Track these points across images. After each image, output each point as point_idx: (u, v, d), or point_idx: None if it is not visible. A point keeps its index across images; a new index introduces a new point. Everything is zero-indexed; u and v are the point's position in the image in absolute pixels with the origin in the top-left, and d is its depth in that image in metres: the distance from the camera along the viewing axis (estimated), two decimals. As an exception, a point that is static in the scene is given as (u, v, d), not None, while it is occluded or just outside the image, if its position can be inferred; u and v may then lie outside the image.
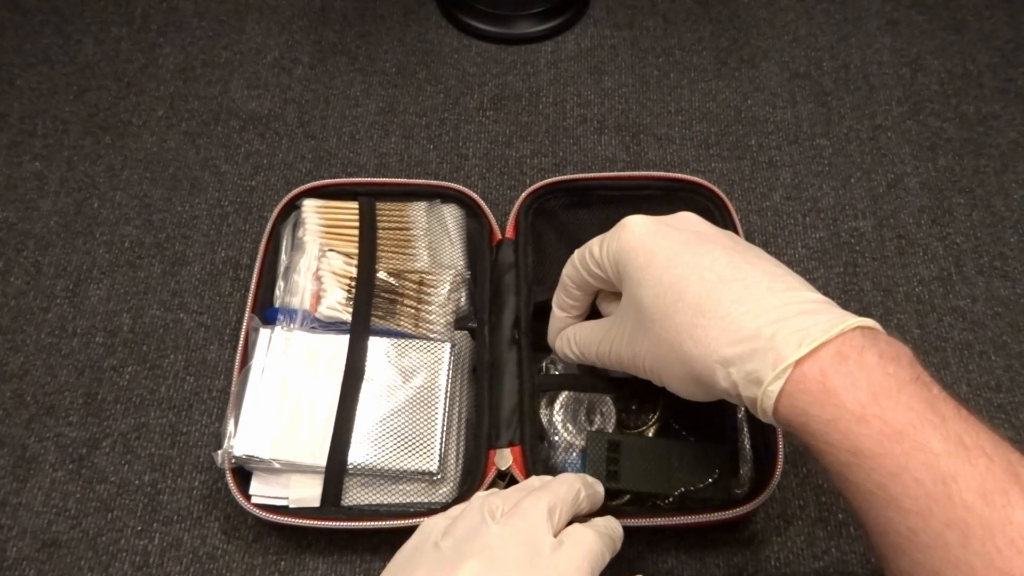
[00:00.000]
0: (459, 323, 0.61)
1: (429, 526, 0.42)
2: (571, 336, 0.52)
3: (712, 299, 0.40)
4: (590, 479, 0.46)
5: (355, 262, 0.61)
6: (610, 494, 0.54)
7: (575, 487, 0.44)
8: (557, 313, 0.53)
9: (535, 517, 0.40)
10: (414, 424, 0.55)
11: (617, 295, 0.48)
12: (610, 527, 0.44)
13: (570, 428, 0.56)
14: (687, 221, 0.46)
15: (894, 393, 0.35)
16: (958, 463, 0.33)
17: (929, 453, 0.33)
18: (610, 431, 0.55)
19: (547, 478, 0.45)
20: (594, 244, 0.48)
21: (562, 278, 0.51)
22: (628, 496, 0.53)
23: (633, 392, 0.56)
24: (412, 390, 0.56)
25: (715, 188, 0.65)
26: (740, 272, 0.41)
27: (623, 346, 0.46)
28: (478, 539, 0.39)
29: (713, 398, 0.42)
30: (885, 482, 0.34)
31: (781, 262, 0.45)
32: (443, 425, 0.55)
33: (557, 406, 0.57)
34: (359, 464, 0.54)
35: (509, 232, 0.64)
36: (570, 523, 0.42)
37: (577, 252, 0.50)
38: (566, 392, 0.57)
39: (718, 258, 0.42)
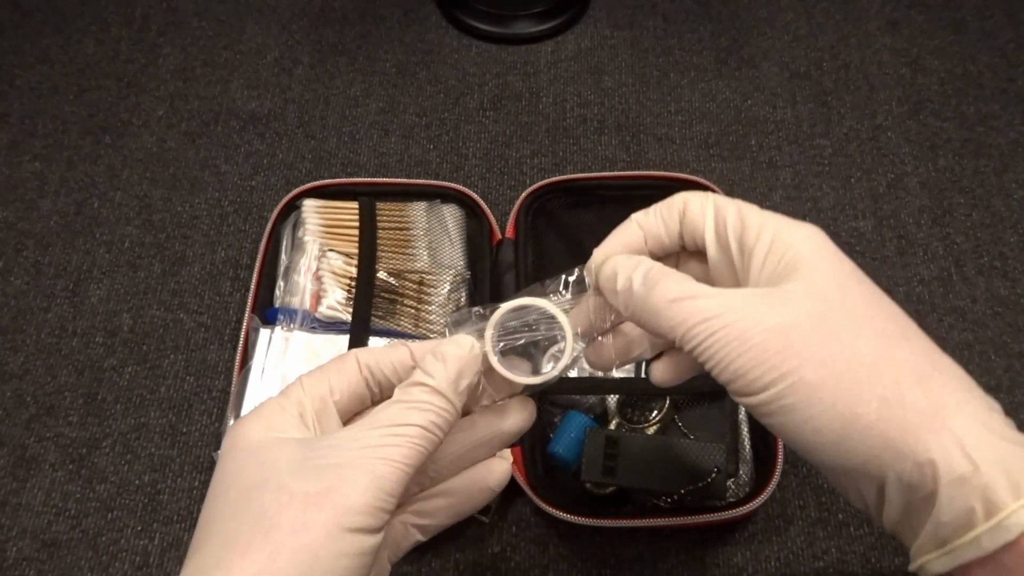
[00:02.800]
0: (459, 323, 0.61)
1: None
2: (649, 265, 0.34)
3: (943, 358, 0.30)
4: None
5: (355, 262, 0.61)
6: (610, 498, 0.55)
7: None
8: (631, 229, 0.37)
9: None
10: (414, 424, 0.55)
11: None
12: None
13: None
14: None
15: None
16: None
17: None
18: (611, 427, 0.55)
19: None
20: (749, 213, 0.35)
21: (659, 211, 0.36)
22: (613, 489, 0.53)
23: (635, 390, 0.56)
24: (412, 390, 0.56)
25: (715, 188, 0.65)
26: (941, 355, 0.31)
27: (759, 326, 0.30)
28: None
29: (855, 468, 0.29)
30: None
31: None
32: (443, 425, 0.55)
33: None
34: (359, 464, 0.53)
35: (509, 232, 0.64)
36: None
37: (696, 200, 0.36)
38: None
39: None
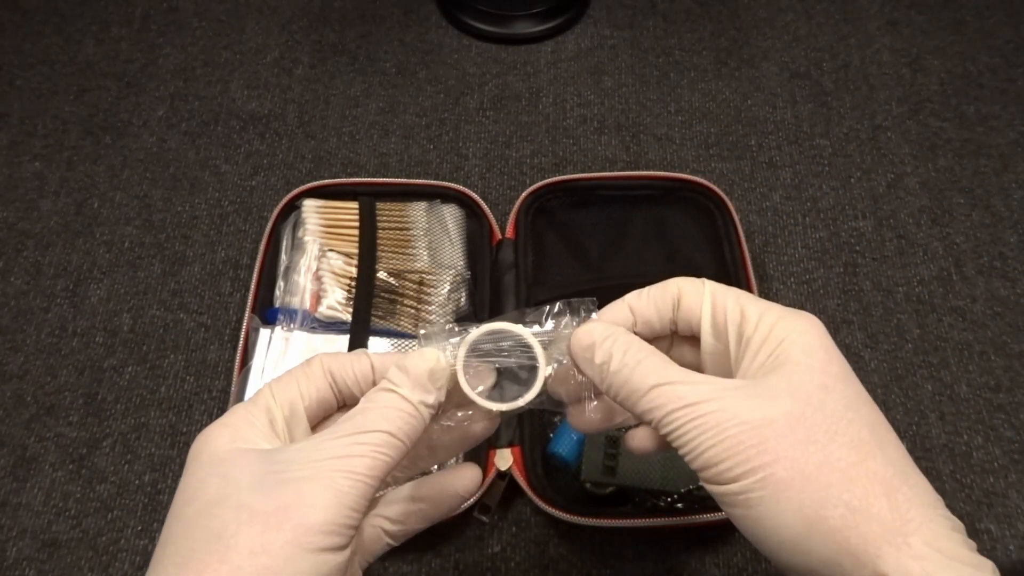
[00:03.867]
0: (459, 323, 0.61)
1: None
2: (629, 342, 0.34)
3: (914, 472, 0.31)
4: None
5: (355, 262, 0.61)
6: (610, 498, 0.55)
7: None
8: (624, 311, 0.36)
9: None
10: (414, 424, 0.55)
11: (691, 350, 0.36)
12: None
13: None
14: None
15: None
16: None
17: None
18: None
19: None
20: (749, 303, 0.34)
21: (652, 295, 0.36)
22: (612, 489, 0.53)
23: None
24: (412, 390, 0.56)
25: (715, 188, 0.65)
26: (912, 469, 0.31)
27: (736, 420, 0.30)
28: None
29: (813, 571, 0.30)
30: None
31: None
32: (443, 425, 0.55)
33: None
34: (359, 464, 0.53)
35: (509, 232, 0.64)
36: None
37: (691, 288, 0.35)
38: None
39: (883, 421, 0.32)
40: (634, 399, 0.33)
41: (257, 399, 0.33)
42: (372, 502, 0.35)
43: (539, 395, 0.35)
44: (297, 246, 0.62)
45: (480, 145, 0.74)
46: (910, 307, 0.66)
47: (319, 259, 0.61)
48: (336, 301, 0.59)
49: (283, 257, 0.63)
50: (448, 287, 0.61)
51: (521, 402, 0.35)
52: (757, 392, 0.31)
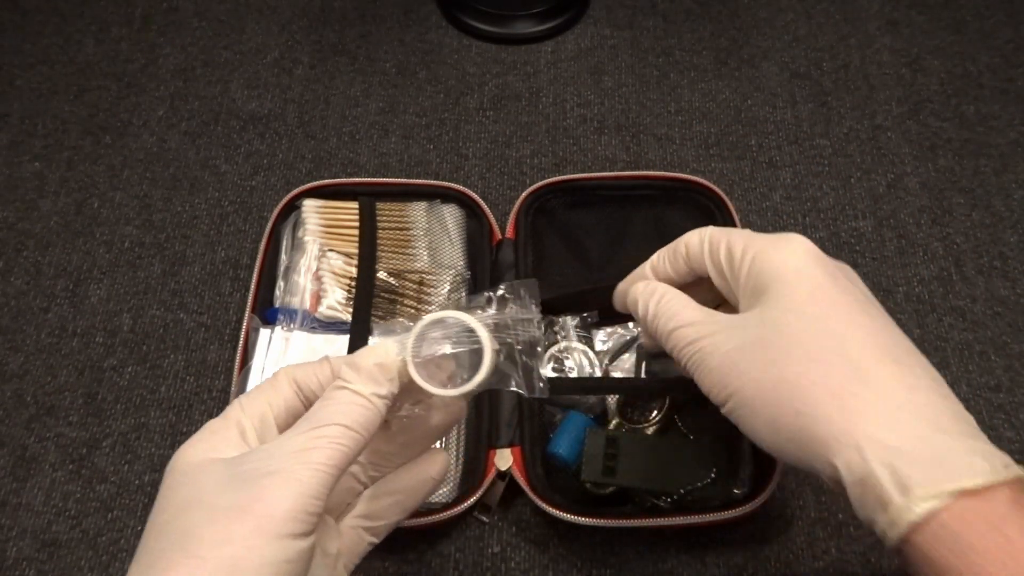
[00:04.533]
0: (459, 323, 0.61)
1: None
2: (660, 294, 0.42)
3: (876, 369, 0.34)
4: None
5: (355, 262, 0.61)
6: (610, 498, 0.55)
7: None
8: (646, 271, 0.45)
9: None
10: (414, 424, 0.55)
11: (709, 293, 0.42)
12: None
13: None
14: (852, 274, 0.40)
15: None
16: None
17: None
18: (611, 427, 0.55)
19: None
20: (736, 240, 0.40)
21: (665, 254, 0.44)
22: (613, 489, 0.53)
23: (635, 390, 0.56)
24: (412, 390, 0.56)
25: (715, 188, 0.65)
26: (907, 354, 0.35)
27: (717, 352, 0.38)
28: None
29: (795, 463, 0.36)
30: None
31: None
32: (443, 425, 0.55)
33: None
34: (359, 464, 0.53)
35: (509, 232, 0.64)
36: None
37: (702, 238, 0.42)
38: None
39: (882, 325, 0.36)
40: (662, 340, 0.41)
41: (227, 413, 0.35)
42: (349, 505, 0.38)
43: (488, 375, 0.36)
44: (297, 246, 0.62)
45: (480, 145, 0.74)
46: (910, 307, 0.66)
47: (319, 259, 0.61)
48: (336, 301, 0.59)
49: (283, 257, 0.63)
50: (448, 287, 0.61)
51: (471, 385, 0.36)
52: (738, 323, 0.38)
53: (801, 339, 0.36)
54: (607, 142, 0.75)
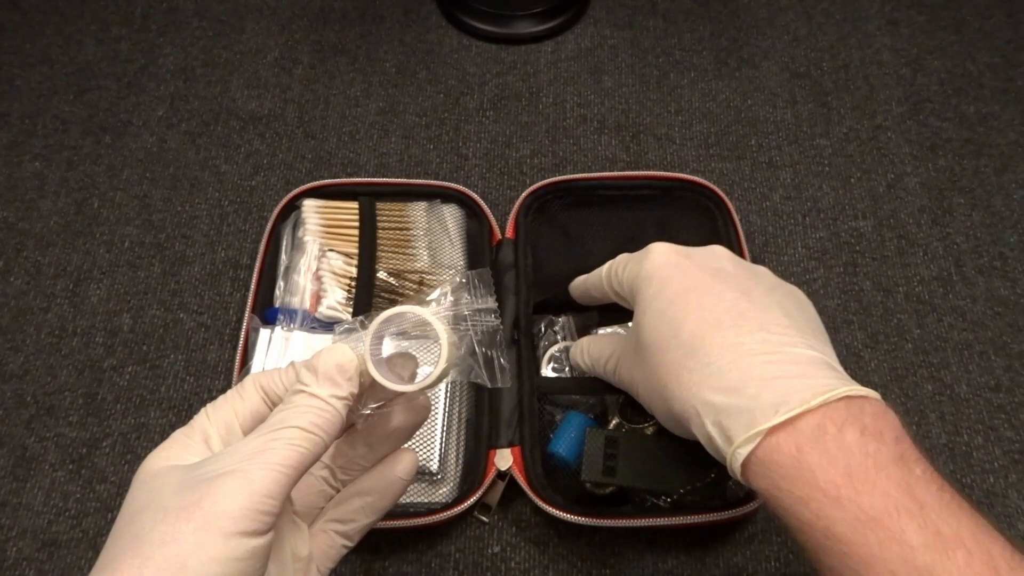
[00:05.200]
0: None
1: None
2: (585, 346, 0.53)
3: (704, 342, 0.39)
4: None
5: (355, 262, 0.61)
6: (610, 498, 0.55)
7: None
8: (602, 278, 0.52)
9: None
10: (414, 424, 0.55)
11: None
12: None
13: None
14: (712, 256, 0.45)
15: (871, 475, 0.33)
16: (935, 556, 0.31)
17: (905, 545, 0.31)
18: (611, 427, 0.55)
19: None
20: (620, 262, 0.48)
21: (586, 280, 0.53)
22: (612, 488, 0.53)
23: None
24: (412, 390, 0.56)
25: (715, 188, 0.65)
26: (741, 318, 0.40)
27: (623, 368, 0.47)
28: None
29: (693, 439, 0.41)
30: (860, 570, 0.32)
31: (808, 306, 0.44)
32: (443, 425, 0.55)
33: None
34: (359, 464, 0.53)
35: (509, 232, 0.64)
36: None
37: (608, 264, 0.50)
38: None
39: (724, 300, 0.41)
40: (611, 382, 0.51)
41: (194, 422, 0.35)
42: (320, 511, 0.39)
43: (446, 368, 0.36)
44: (297, 246, 0.62)
45: (480, 145, 0.74)
46: (910, 307, 0.66)
47: (319, 259, 0.61)
48: (336, 301, 0.59)
49: (283, 257, 0.63)
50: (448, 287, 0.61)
51: (429, 379, 0.36)
52: (627, 335, 0.48)
53: (650, 334, 0.42)
54: (607, 142, 0.75)
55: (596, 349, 0.51)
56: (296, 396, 0.34)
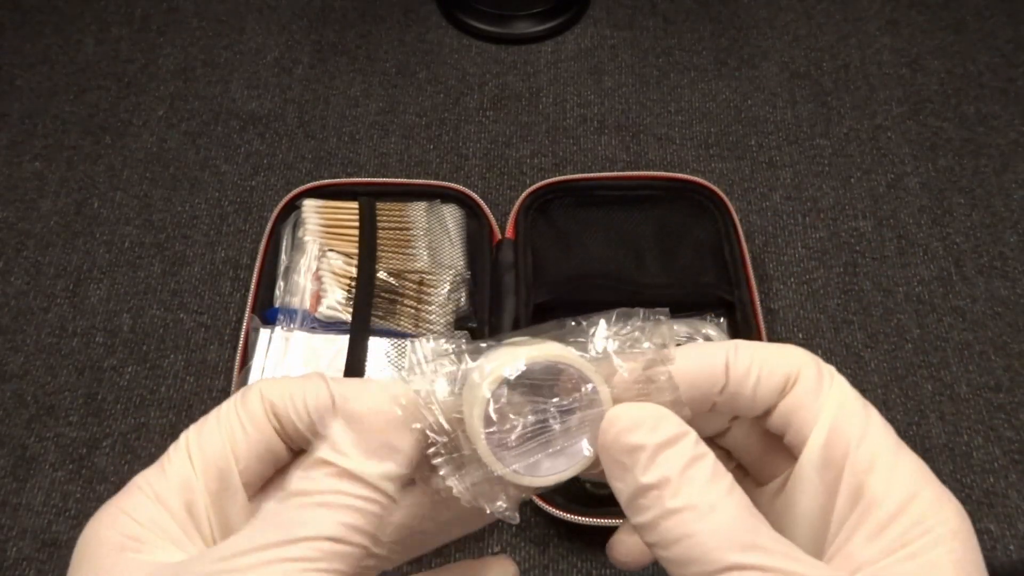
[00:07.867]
0: (459, 323, 0.61)
1: None
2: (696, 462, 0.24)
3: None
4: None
5: (355, 262, 0.61)
6: (610, 498, 0.54)
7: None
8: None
9: None
10: (414, 424, 0.55)
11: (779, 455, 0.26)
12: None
13: None
14: None
15: None
16: None
17: None
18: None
19: None
20: (883, 449, 0.24)
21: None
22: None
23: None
24: (412, 390, 0.56)
25: (715, 188, 0.65)
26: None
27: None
28: None
29: None
30: None
31: None
32: (443, 425, 0.55)
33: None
34: (359, 464, 0.53)
35: (509, 232, 0.64)
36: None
37: (808, 379, 0.25)
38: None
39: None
40: (698, 570, 0.20)
41: (170, 467, 0.23)
42: None
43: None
44: (297, 246, 0.62)
45: (480, 145, 0.74)
46: (910, 307, 0.66)
47: (319, 259, 0.61)
48: (336, 301, 0.59)
49: (283, 257, 0.63)
50: (448, 287, 0.61)
51: (574, 468, 0.23)
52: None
53: None
54: (607, 142, 0.75)
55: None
56: (323, 477, 0.21)
